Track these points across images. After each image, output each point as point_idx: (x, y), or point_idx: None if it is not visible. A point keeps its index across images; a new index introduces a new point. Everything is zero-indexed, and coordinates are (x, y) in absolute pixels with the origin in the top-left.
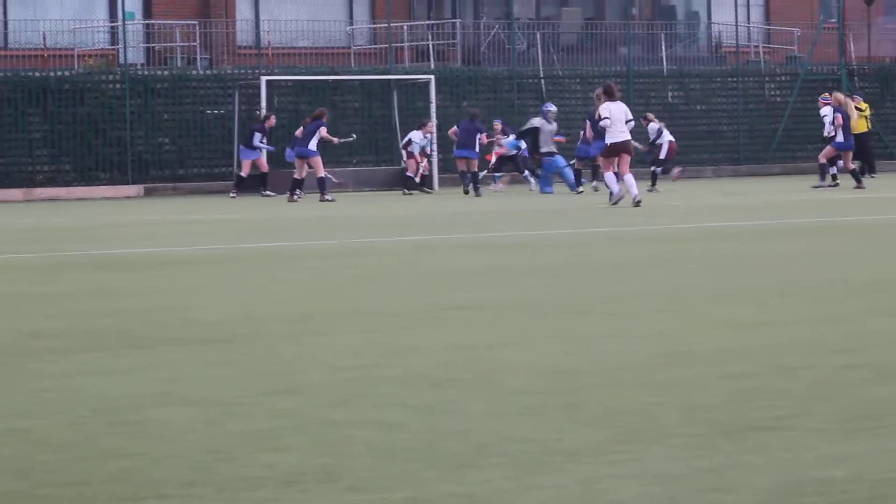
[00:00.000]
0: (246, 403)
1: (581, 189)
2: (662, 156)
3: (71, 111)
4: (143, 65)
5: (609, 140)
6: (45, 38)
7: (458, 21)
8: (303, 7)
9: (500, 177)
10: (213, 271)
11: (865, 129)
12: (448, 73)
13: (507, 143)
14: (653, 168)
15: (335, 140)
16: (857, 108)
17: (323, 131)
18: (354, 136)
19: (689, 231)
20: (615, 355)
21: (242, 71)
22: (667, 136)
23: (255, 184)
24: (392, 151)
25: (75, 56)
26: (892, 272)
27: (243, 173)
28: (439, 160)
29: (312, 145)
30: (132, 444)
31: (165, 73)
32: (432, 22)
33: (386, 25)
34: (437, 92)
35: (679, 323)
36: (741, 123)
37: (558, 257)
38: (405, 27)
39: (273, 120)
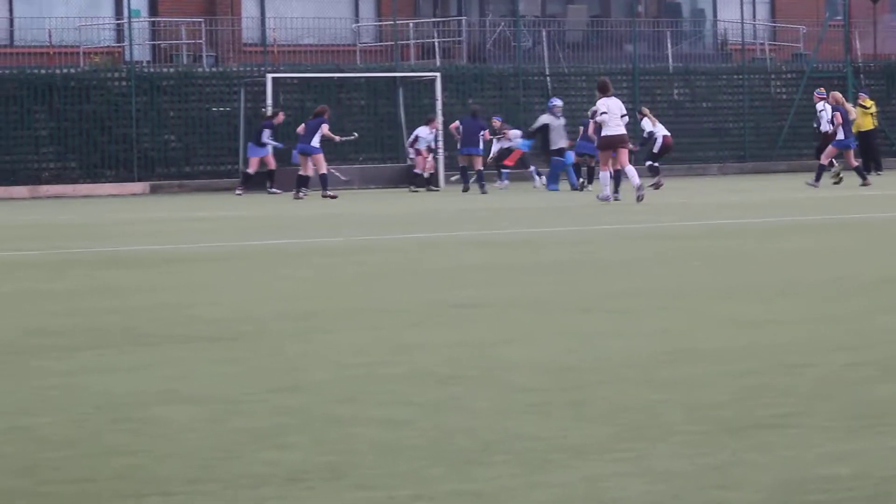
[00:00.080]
0: (251, 401)
1: (582, 180)
2: (656, 150)
3: (77, 109)
4: (148, 62)
5: (605, 133)
6: (50, 36)
7: (463, 18)
8: (309, 4)
9: (507, 174)
10: (218, 269)
11: (871, 127)
12: (454, 70)
13: (521, 143)
14: (647, 163)
15: (337, 138)
16: (862, 105)
17: (325, 128)
18: (356, 134)
19: (694, 228)
20: (620, 353)
21: (248, 68)
22: (661, 131)
23: (261, 181)
24: (398, 149)
25: (81, 54)
26: None
27: (251, 170)
28: (445, 158)
29: (315, 142)
30: (136, 441)
31: (171, 70)
32: (438, 19)
33: (392, 23)
34: (443, 89)
35: (684, 320)
36: (747, 121)
37: (563, 254)
38: (411, 25)
39: (282, 116)
